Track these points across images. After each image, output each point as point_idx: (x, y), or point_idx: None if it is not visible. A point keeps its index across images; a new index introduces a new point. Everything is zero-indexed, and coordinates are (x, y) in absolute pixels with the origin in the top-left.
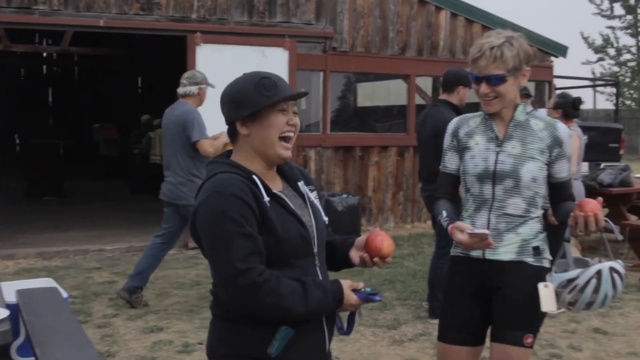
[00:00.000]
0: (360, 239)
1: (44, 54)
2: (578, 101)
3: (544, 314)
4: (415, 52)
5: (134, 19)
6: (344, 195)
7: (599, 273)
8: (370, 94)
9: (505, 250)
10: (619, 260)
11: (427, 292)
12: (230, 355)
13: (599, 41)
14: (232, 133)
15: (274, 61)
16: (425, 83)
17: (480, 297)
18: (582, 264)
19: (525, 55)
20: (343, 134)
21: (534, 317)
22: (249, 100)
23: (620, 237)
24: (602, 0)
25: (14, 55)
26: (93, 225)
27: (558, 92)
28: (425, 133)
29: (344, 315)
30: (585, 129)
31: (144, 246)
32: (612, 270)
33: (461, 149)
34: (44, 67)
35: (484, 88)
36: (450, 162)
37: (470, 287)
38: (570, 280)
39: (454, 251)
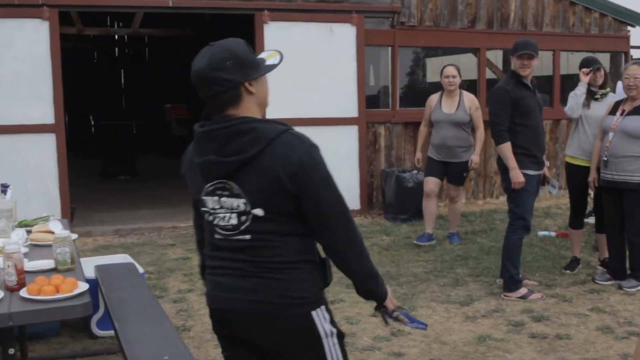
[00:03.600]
0: None
1: (116, 37)
2: None
3: None
4: (485, 24)
5: None
6: (414, 172)
7: None
8: (439, 69)
9: None
10: None
11: (501, 268)
12: (319, 291)
13: None
14: (234, 97)
15: (341, 37)
16: (495, 56)
17: None
18: None
19: None
20: (412, 110)
21: None
22: (254, 63)
23: None
24: None
25: (87, 38)
26: (166, 203)
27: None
28: None
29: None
30: None
31: None
32: None
33: None
34: (116, 49)
35: None
36: None
37: None
38: None
39: None
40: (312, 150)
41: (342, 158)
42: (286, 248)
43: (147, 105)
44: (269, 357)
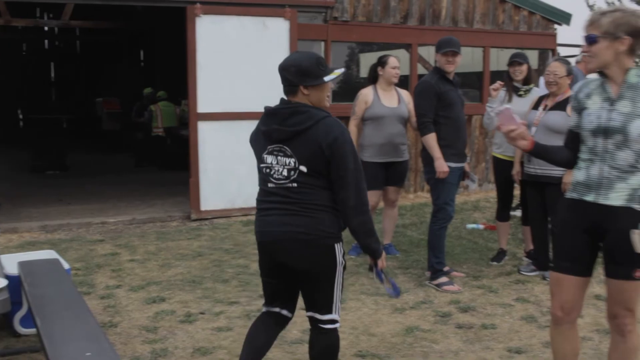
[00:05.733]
0: None
1: (46, 29)
2: None
3: None
4: (417, 21)
5: None
6: None
7: None
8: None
9: (616, 197)
10: None
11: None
12: (339, 231)
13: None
14: (292, 91)
15: (274, 32)
16: (428, 52)
17: (590, 235)
18: None
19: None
20: (346, 104)
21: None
22: (312, 73)
23: None
24: None
25: (15, 29)
26: (96, 199)
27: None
28: None
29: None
30: None
31: (146, 219)
32: None
33: (580, 109)
34: (46, 41)
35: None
36: (573, 120)
37: (582, 225)
38: None
39: (570, 195)
40: (344, 130)
41: None
42: (320, 196)
43: (78, 98)
44: (300, 278)
